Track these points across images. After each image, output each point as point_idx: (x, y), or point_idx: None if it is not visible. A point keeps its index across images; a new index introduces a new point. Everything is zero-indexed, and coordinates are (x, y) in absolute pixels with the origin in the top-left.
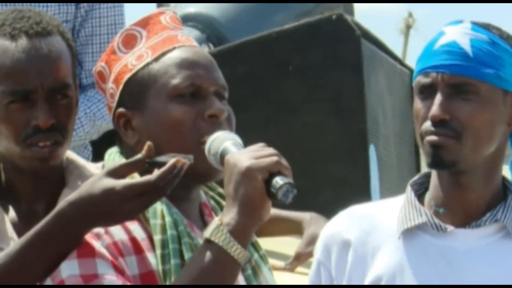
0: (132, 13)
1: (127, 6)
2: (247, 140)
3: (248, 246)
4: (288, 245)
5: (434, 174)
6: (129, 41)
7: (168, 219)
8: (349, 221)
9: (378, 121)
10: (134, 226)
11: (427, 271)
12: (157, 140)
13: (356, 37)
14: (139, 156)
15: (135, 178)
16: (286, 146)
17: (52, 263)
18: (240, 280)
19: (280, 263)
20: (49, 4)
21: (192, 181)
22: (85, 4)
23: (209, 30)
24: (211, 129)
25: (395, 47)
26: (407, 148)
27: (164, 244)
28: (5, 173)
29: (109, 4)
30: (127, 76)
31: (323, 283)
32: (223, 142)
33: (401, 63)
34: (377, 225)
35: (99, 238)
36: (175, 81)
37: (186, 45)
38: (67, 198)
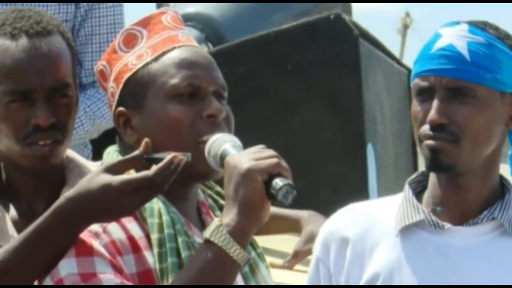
0: (132, 13)
1: (126, 6)
2: (246, 139)
3: (247, 247)
4: (286, 243)
5: (432, 173)
6: (130, 41)
7: (165, 218)
8: (347, 219)
9: (376, 120)
10: (131, 225)
11: (424, 267)
12: (156, 140)
13: (354, 37)
14: (136, 152)
15: (132, 174)
16: (285, 144)
17: (51, 259)
18: (238, 278)
19: (278, 261)
20: (48, 4)
21: (190, 180)
22: (85, 3)
23: (208, 29)
24: (209, 129)
25: (393, 46)
26: (404, 147)
27: (161, 243)
28: (5, 171)
29: (109, 4)
30: (127, 75)
31: (322, 280)
32: (223, 144)
33: (399, 62)
34: (376, 222)
35: (98, 237)
36: (174, 81)
37: (187, 45)
38: (65, 194)
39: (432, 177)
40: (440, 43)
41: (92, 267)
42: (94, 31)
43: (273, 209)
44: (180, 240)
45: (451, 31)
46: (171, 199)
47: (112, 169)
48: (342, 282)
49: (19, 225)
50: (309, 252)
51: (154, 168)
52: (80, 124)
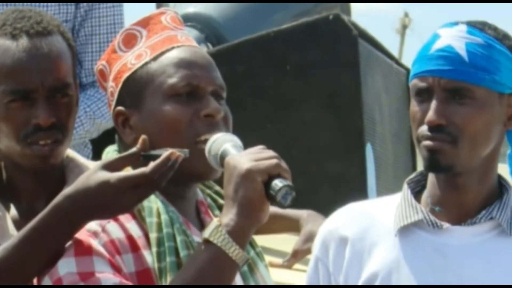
0: (132, 13)
1: (126, 6)
2: (246, 138)
3: (246, 247)
4: (286, 242)
5: (431, 173)
6: (130, 41)
7: (164, 217)
8: (346, 218)
9: (375, 120)
10: (130, 224)
11: (423, 267)
12: (154, 139)
13: (353, 37)
14: (134, 149)
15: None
16: (284, 144)
17: (50, 256)
18: (237, 277)
19: (278, 260)
20: (49, 4)
21: (189, 180)
22: (85, 4)
23: (208, 29)
24: (207, 129)
25: (392, 46)
26: (403, 146)
27: (160, 242)
28: (6, 171)
29: (109, 4)
30: (126, 74)
31: (321, 278)
32: (223, 143)
33: (398, 62)
34: (374, 222)
35: (96, 236)
36: (172, 80)
37: (186, 45)
38: (63, 192)
39: (431, 177)
40: (438, 44)
41: (91, 266)
42: (94, 31)
43: (273, 209)
44: (178, 239)
45: (449, 32)
46: (170, 198)
47: (110, 166)
48: (341, 281)
49: (20, 224)
50: (308, 251)
51: (151, 164)
52: (80, 124)
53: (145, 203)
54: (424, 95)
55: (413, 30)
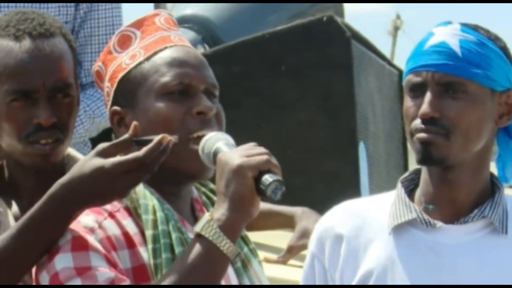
0: (130, 15)
1: (125, 7)
2: (242, 137)
3: (237, 241)
4: (281, 238)
5: (424, 170)
6: (124, 42)
7: (159, 214)
8: (341, 216)
9: (368, 119)
10: (127, 221)
11: (417, 264)
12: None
13: (346, 38)
14: (126, 135)
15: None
16: (279, 143)
17: (47, 244)
18: (230, 273)
19: (273, 256)
20: (49, 5)
21: (183, 179)
22: (84, 6)
23: (204, 31)
24: (199, 126)
25: (384, 48)
26: (395, 145)
27: (155, 239)
28: (8, 169)
29: (107, 6)
30: (120, 75)
31: (317, 275)
32: (216, 142)
33: (390, 63)
34: (369, 220)
35: (93, 232)
36: (165, 79)
37: (178, 44)
38: (59, 180)
39: (424, 174)
40: (433, 41)
41: (87, 261)
42: (93, 32)
43: (268, 206)
44: (173, 236)
45: (444, 30)
46: (165, 196)
47: (104, 153)
48: (336, 278)
49: None
50: (302, 247)
51: (144, 149)
52: (80, 123)
53: (141, 200)
54: (418, 90)
55: (405, 32)
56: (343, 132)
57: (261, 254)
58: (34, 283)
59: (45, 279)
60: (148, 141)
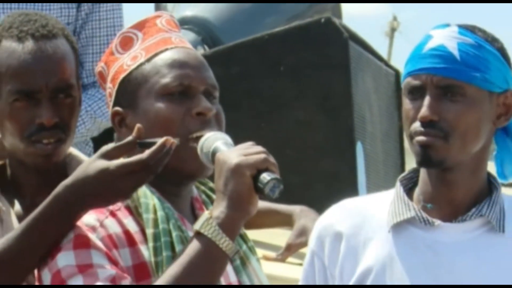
0: (131, 15)
1: (126, 8)
2: (241, 138)
3: (236, 238)
4: (279, 236)
5: (422, 170)
6: (126, 43)
7: (160, 213)
8: (341, 214)
9: (365, 119)
10: (127, 220)
11: (415, 262)
12: (148, 137)
13: (344, 39)
14: (129, 138)
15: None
16: (278, 142)
17: (51, 245)
18: (229, 271)
19: (271, 254)
20: (51, 6)
21: (183, 179)
22: (86, 7)
23: (204, 32)
24: (199, 127)
25: (381, 49)
26: (392, 144)
27: (156, 237)
28: (10, 168)
29: (109, 7)
30: (122, 76)
31: (317, 272)
32: (215, 141)
33: (387, 64)
34: (368, 218)
35: (95, 230)
36: (165, 80)
37: (179, 46)
38: (63, 182)
39: (423, 173)
40: (431, 44)
41: (89, 258)
42: (95, 33)
43: (267, 204)
44: (174, 234)
45: (442, 33)
46: (165, 195)
47: (108, 155)
48: (336, 275)
49: (23, 220)
50: (301, 245)
51: (148, 151)
52: (81, 123)
53: (142, 199)
54: (417, 93)
55: (402, 33)
56: (341, 131)
57: (260, 252)
58: (36, 281)
59: (47, 277)
60: (151, 144)
